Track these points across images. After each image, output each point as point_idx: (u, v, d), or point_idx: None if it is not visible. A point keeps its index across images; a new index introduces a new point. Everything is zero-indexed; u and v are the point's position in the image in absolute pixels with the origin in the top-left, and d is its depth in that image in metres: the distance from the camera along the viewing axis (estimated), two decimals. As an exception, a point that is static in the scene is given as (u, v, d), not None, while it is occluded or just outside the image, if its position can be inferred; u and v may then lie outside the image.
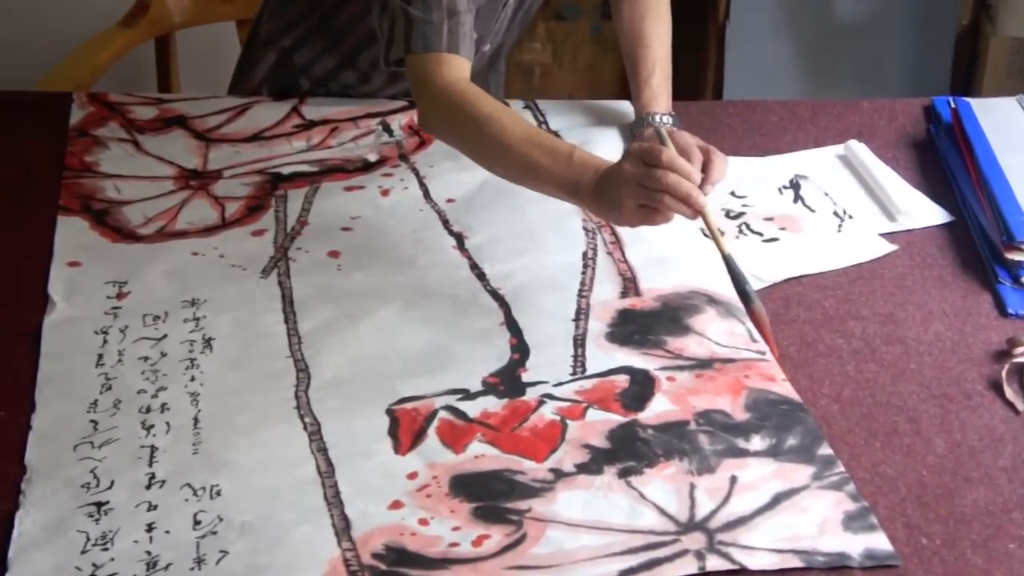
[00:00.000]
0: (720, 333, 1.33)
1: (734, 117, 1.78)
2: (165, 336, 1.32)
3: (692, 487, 1.14)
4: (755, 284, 1.41)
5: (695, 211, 1.27)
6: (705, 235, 1.48)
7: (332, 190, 1.58)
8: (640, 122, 1.64)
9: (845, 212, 1.55)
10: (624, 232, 1.48)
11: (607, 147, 1.65)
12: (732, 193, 1.59)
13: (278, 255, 1.46)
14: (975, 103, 1.69)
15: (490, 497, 1.13)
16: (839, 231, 1.52)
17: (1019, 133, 1.64)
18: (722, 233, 1.36)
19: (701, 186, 1.54)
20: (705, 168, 1.56)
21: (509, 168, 1.38)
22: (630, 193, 1.26)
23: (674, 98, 1.68)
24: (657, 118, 1.62)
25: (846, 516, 1.11)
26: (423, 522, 1.10)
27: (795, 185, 1.60)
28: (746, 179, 1.62)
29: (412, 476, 1.15)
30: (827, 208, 1.56)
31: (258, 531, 1.09)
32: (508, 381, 1.27)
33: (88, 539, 1.08)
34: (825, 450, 1.18)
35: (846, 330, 1.36)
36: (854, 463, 1.18)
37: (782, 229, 1.52)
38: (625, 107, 1.73)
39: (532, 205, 1.51)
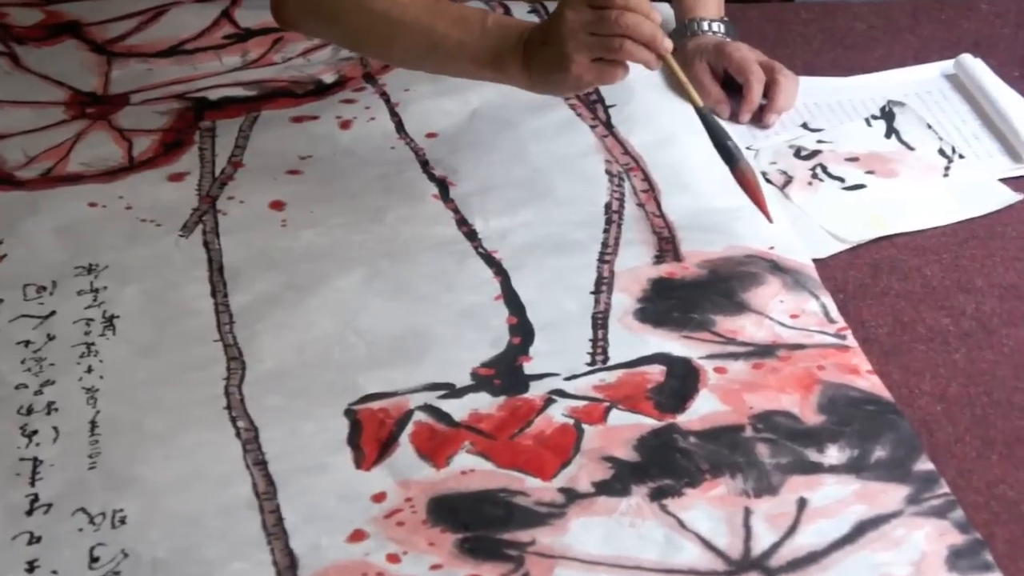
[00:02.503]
0: (786, 310, 1.32)
1: (809, 24, 1.77)
2: (53, 313, 1.32)
3: (748, 513, 1.14)
4: (833, 246, 1.41)
5: (660, 56, 1.32)
6: (768, 180, 1.47)
7: (275, 121, 1.58)
8: (682, 30, 1.64)
9: (955, 150, 1.55)
10: (661, 178, 1.48)
11: (638, 65, 1.64)
12: (804, 125, 1.58)
13: (203, 207, 1.46)
14: None
15: (481, 526, 1.13)
16: (946, 175, 1.52)
17: None
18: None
19: (764, 115, 1.57)
20: (769, 92, 1.58)
21: (408, 50, 1.41)
22: (579, 46, 1.30)
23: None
24: (705, 25, 1.62)
25: (952, 552, 1.11)
26: (393, 558, 1.10)
27: (888, 114, 1.60)
28: (823, 106, 1.61)
29: (379, 498, 1.15)
30: (931, 145, 1.55)
31: (175, 570, 1.09)
32: (506, 373, 1.27)
33: (-50, 580, 1.09)
34: (924, 465, 1.18)
35: (954, 307, 1.36)
36: (963, 482, 1.18)
37: (870, 173, 1.51)
38: (663, 11, 1.72)
39: (538, 141, 1.51)
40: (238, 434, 1.20)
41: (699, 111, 1.36)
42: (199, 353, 1.28)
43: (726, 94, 1.59)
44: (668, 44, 1.32)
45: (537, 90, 1.39)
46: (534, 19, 1.73)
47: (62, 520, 1.13)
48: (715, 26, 1.62)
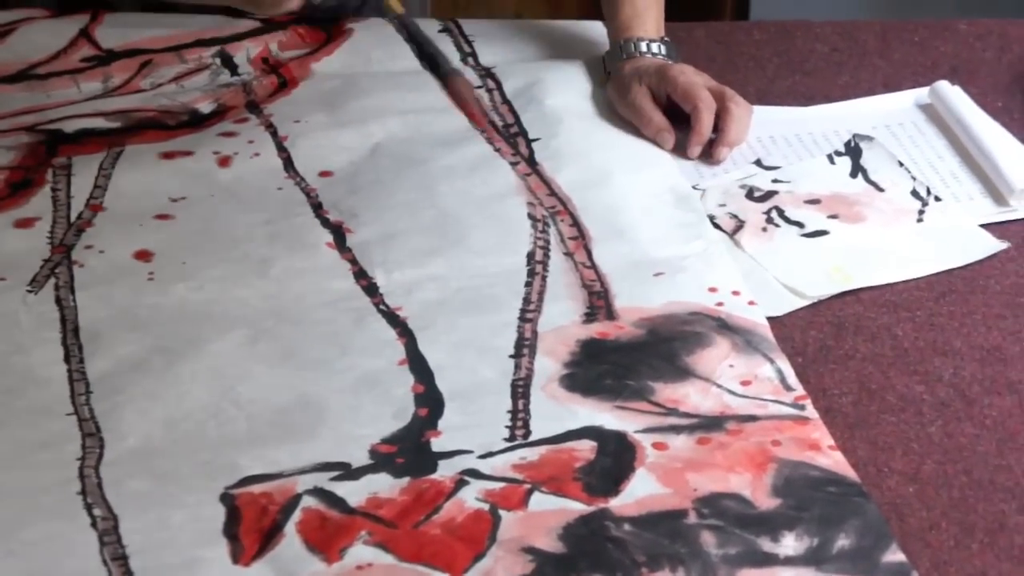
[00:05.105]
0: (736, 376, 1.33)
1: (764, 46, 1.78)
2: None
3: (691, 613, 1.14)
4: (791, 302, 1.42)
5: None
6: (716, 225, 1.48)
7: (142, 157, 1.57)
8: (617, 52, 1.65)
9: (930, 191, 1.56)
10: (592, 223, 1.49)
11: (566, 92, 1.66)
12: (758, 162, 1.60)
13: (56, 258, 1.45)
14: None
15: (380, 630, 1.13)
16: (920, 220, 1.53)
17: None
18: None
19: (713, 149, 1.58)
20: (719, 122, 1.58)
21: None
22: None
23: (672, 17, 1.69)
24: (643, 46, 1.63)
25: (926, 656, 1.12)
26: (275, 670, 1.10)
27: (854, 150, 1.61)
28: (780, 140, 1.63)
29: (260, 599, 1.15)
30: (902, 185, 1.57)
31: None
32: (410, 451, 1.26)
33: None
34: (895, 555, 1.19)
35: (929, 372, 1.37)
36: (939, 575, 1.19)
37: (833, 217, 1.52)
38: (595, 31, 1.74)
39: (450, 181, 1.51)
40: (94, 524, 1.19)
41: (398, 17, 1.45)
42: (49, 429, 1.27)
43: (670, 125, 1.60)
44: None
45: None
46: (446, 38, 1.74)
47: None
48: (655, 47, 1.64)
